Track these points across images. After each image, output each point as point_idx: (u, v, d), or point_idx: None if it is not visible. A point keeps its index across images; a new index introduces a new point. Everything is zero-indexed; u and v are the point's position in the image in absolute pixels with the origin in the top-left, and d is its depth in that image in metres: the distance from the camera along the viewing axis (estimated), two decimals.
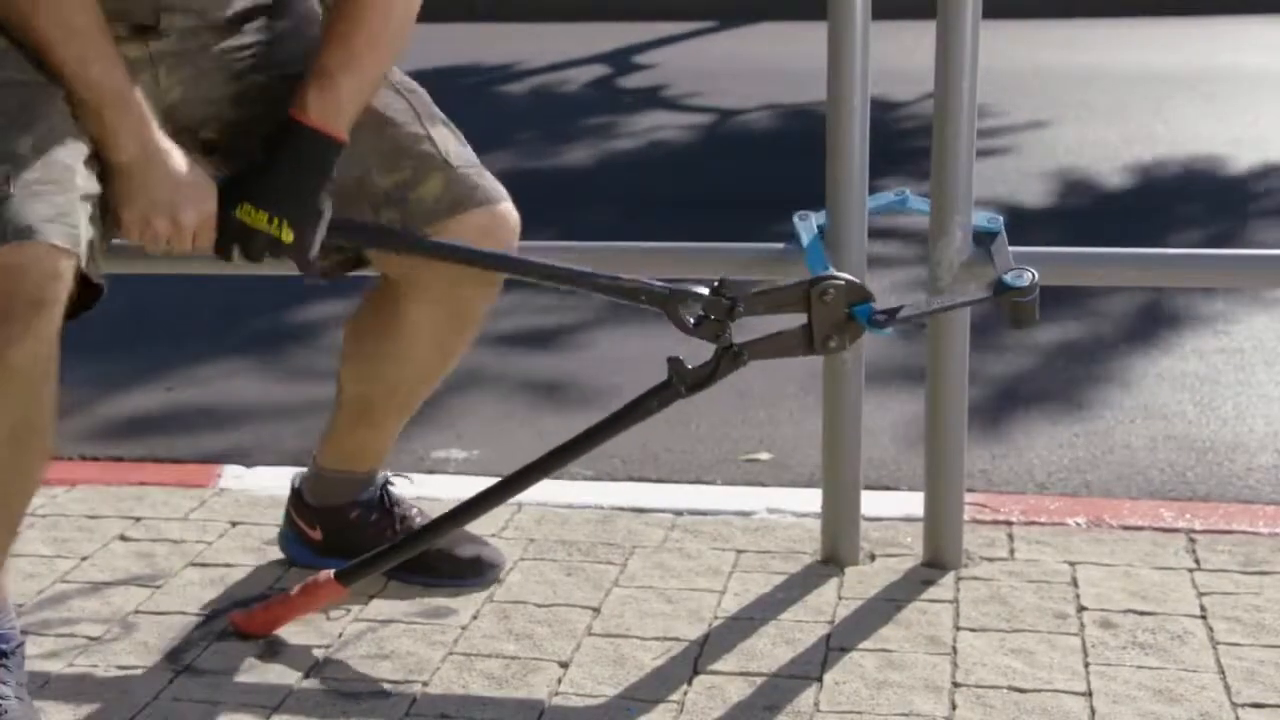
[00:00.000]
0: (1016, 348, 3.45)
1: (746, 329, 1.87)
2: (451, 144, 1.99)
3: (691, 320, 1.86)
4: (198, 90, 1.94)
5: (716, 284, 1.85)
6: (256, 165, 1.87)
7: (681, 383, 1.88)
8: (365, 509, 2.21)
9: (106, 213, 1.79)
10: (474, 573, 2.18)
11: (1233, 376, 3.27)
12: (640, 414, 1.92)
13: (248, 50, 1.97)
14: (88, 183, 1.72)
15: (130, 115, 1.78)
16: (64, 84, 1.75)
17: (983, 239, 2.09)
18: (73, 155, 1.71)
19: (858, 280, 1.88)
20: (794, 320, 1.87)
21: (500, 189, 2.00)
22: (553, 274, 1.95)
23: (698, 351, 1.89)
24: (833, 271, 1.91)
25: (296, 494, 2.25)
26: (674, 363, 1.89)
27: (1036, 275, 1.86)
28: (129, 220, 1.80)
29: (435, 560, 2.16)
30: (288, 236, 1.84)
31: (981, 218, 2.09)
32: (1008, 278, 1.86)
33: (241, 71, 1.96)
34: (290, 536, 2.27)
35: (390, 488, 2.24)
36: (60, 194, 1.66)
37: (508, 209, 2.00)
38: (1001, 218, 2.09)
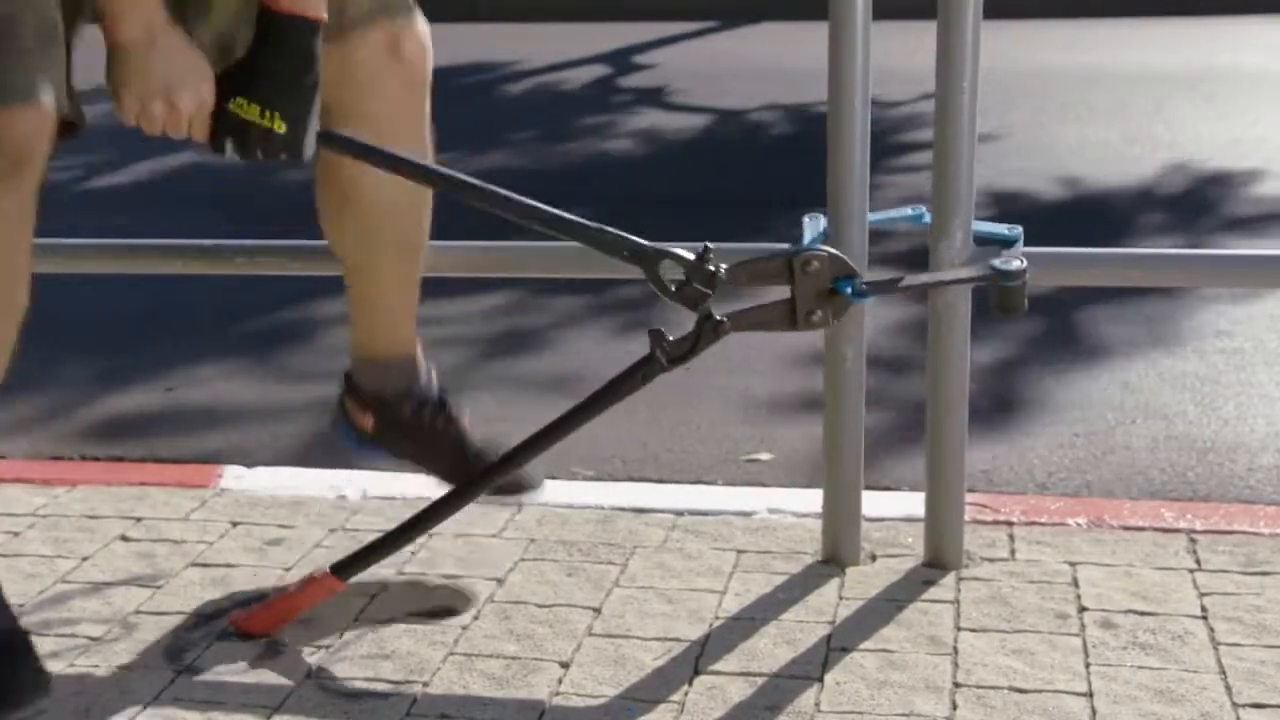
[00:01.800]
0: (1017, 348, 3.45)
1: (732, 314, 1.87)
2: None
3: (672, 285, 1.86)
4: (239, 14, 1.93)
5: (701, 250, 1.84)
6: (243, 60, 1.87)
7: (664, 355, 1.88)
8: (418, 403, 2.20)
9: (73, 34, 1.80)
10: (526, 485, 2.21)
11: (1234, 377, 3.28)
12: (626, 388, 1.91)
13: None
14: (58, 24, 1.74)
15: None
16: None
17: (999, 246, 2.08)
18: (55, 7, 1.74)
19: (842, 255, 1.87)
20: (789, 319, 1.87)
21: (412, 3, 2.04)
22: (534, 215, 1.91)
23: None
24: (817, 246, 1.90)
25: (349, 379, 2.24)
26: (655, 335, 1.89)
27: (1025, 263, 1.86)
28: (127, 102, 1.81)
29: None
30: (280, 127, 1.85)
31: (1001, 228, 2.09)
32: (997, 261, 1.86)
33: None
34: (343, 424, 2.26)
35: (445, 394, 2.23)
36: (47, 50, 1.70)
37: (412, 22, 2.02)
38: (1020, 228, 2.08)
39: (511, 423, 3.12)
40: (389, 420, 2.21)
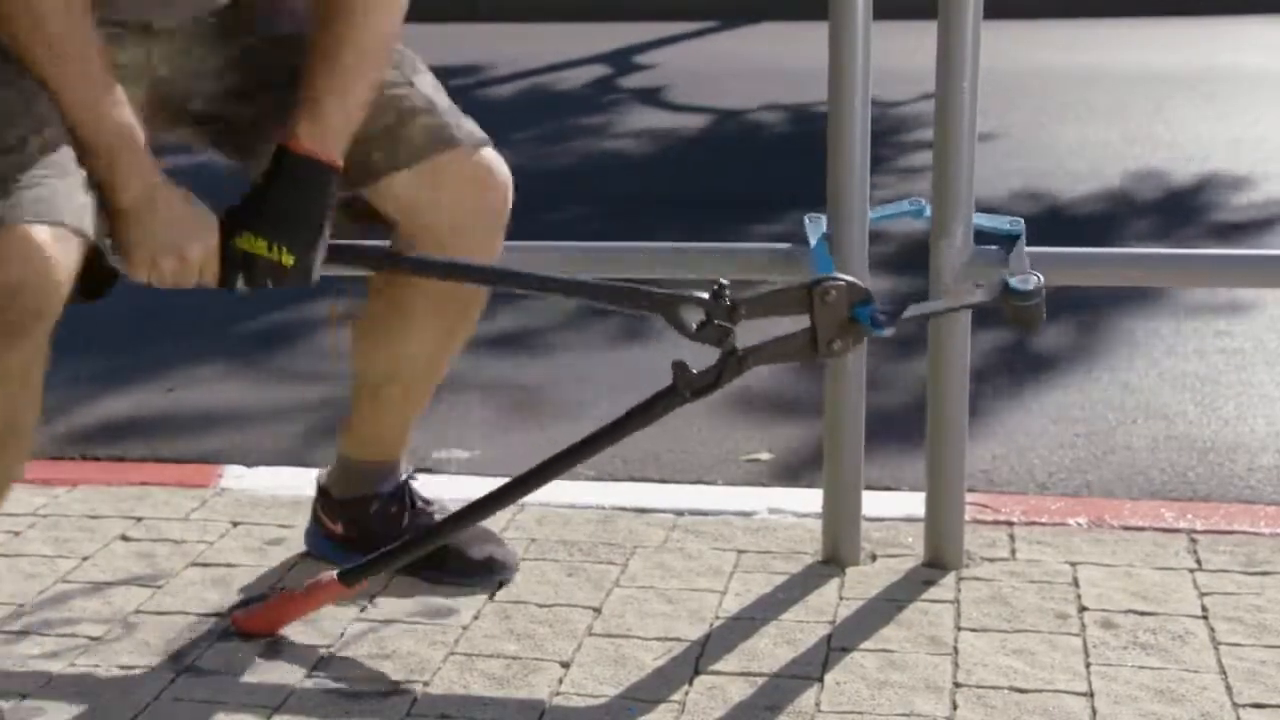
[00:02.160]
0: (1018, 348, 3.45)
1: (745, 332, 1.87)
2: (433, 92, 2.02)
3: (693, 325, 1.86)
4: (187, 62, 1.95)
5: (715, 287, 1.85)
6: (255, 193, 1.88)
7: (686, 387, 1.88)
8: (384, 501, 2.22)
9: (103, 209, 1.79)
10: (485, 572, 2.18)
11: (1234, 377, 3.27)
12: (645, 419, 1.92)
13: (236, 15, 1.97)
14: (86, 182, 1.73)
15: (134, 157, 1.78)
16: (67, 125, 1.75)
17: (1001, 242, 2.08)
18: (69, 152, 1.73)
19: (859, 281, 1.88)
20: (797, 323, 1.87)
21: (479, 132, 2.03)
22: (549, 285, 1.95)
23: (680, 352, 1.89)
24: (834, 272, 1.91)
25: (322, 490, 2.26)
26: (678, 367, 1.88)
27: (1042, 279, 1.85)
28: (138, 261, 1.81)
29: (446, 558, 2.16)
30: (288, 260, 1.86)
31: (1002, 221, 2.08)
32: (1013, 281, 1.85)
33: (229, 37, 1.96)
34: (313, 531, 2.28)
35: (412, 482, 2.25)
36: (64, 179, 1.69)
37: (486, 152, 2.02)
38: (1022, 221, 2.08)
39: (517, 422, 3.14)
40: (354, 521, 2.22)
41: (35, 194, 1.64)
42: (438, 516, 2.21)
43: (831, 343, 1.86)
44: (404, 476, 2.24)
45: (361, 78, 1.88)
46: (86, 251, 1.69)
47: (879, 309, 1.85)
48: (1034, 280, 1.84)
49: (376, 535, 2.16)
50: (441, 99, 2.03)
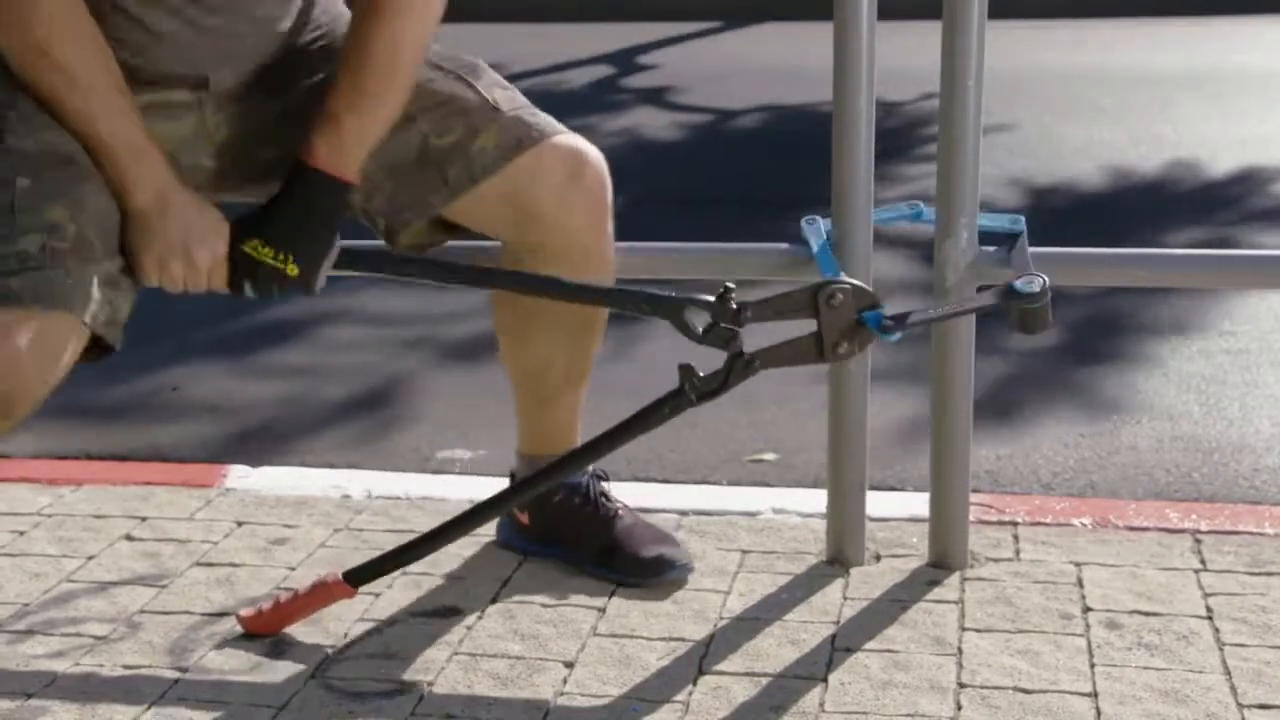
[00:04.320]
0: (1021, 348, 3.44)
1: (751, 336, 1.87)
2: (498, 93, 2.02)
3: (700, 328, 1.86)
4: (246, 123, 1.97)
5: (721, 290, 1.85)
6: (268, 204, 1.90)
7: (693, 391, 1.88)
8: (568, 493, 2.21)
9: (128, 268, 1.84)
10: (655, 571, 2.16)
11: (1239, 377, 3.27)
12: (652, 422, 1.92)
13: (289, 66, 1.98)
14: (109, 254, 1.79)
15: (144, 164, 1.82)
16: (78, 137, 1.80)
17: (1003, 240, 2.08)
18: (97, 228, 1.77)
19: (865, 285, 1.88)
20: (803, 326, 1.87)
21: (555, 124, 2.03)
22: (555, 289, 1.96)
23: (687, 352, 1.89)
24: (840, 276, 1.91)
25: (512, 478, 2.26)
26: (685, 370, 1.88)
27: (1048, 281, 1.85)
28: (146, 264, 1.84)
29: (616, 557, 2.16)
30: (293, 270, 1.88)
31: (1003, 219, 2.08)
32: (1019, 284, 1.84)
33: (285, 86, 1.98)
34: (504, 522, 2.28)
35: (600, 478, 2.24)
36: (82, 265, 1.74)
37: (565, 139, 2.02)
38: (1023, 219, 2.08)
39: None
40: (540, 512, 2.22)
41: (44, 276, 1.70)
42: (622, 514, 2.22)
43: (837, 346, 1.86)
44: (589, 473, 2.23)
45: (383, 101, 1.89)
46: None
47: (886, 315, 1.85)
48: (1039, 282, 1.84)
49: (559, 528, 2.19)
50: (508, 99, 2.02)
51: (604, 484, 2.24)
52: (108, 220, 1.80)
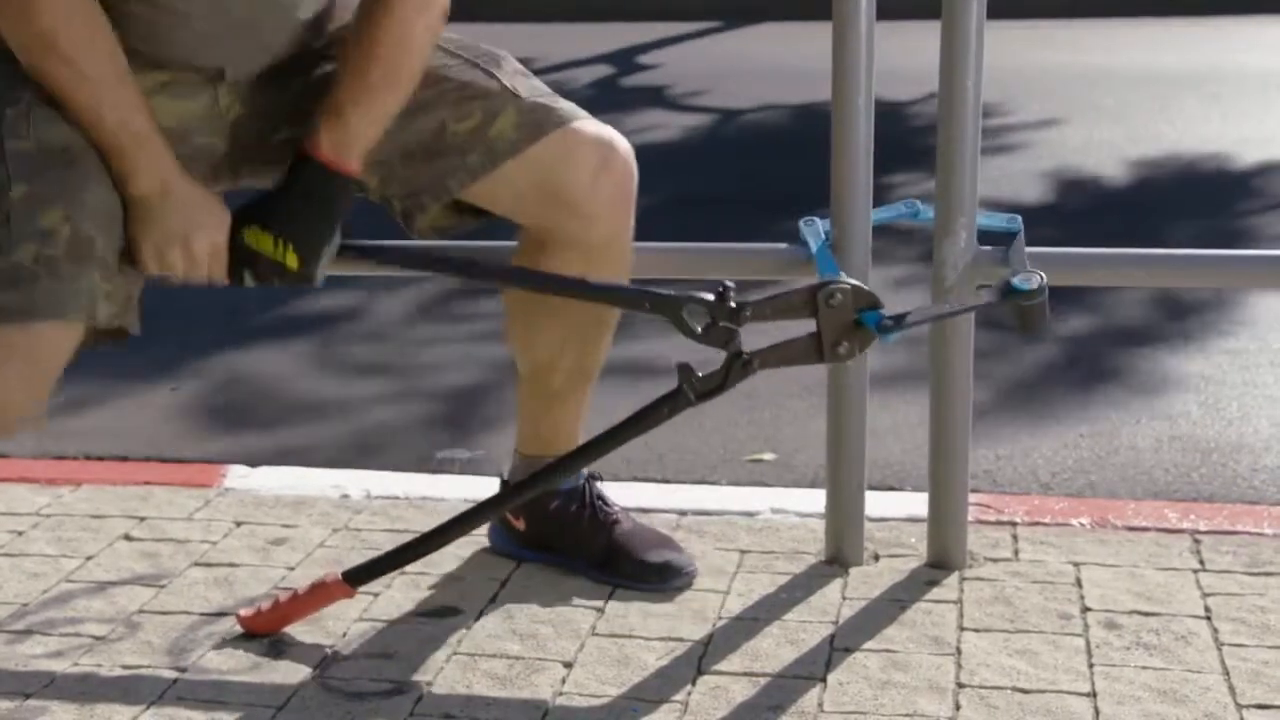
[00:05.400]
0: (1021, 348, 3.44)
1: (751, 335, 1.87)
2: (519, 80, 2.02)
3: (699, 327, 1.86)
4: (257, 103, 1.96)
5: (720, 289, 1.84)
6: (270, 192, 1.90)
7: (691, 390, 1.88)
8: (565, 499, 2.20)
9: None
10: (659, 577, 2.15)
11: (1238, 377, 3.27)
12: (650, 421, 1.92)
13: (306, 52, 1.98)
14: (110, 246, 1.78)
15: (148, 152, 1.82)
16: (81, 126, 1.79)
17: (1001, 239, 2.08)
18: (97, 222, 1.77)
19: (863, 285, 1.88)
20: (801, 327, 1.86)
21: (578, 110, 2.02)
22: (554, 285, 1.95)
23: (689, 352, 1.89)
24: (839, 275, 1.91)
25: (504, 484, 2.25)
26: (684, 370, 1.88)
27: (1045, 279, 1.85)
28: (145, 252, 1.83)
29: (620, 562, 2.16)
30: (292, 261, 1.88)
31: (1000, 218, 2.08)
32: (1016, 281, 1.85)
33: (301, 68, 1.97)
34: (496, 527, 2.26)
35: (595, 482, 2.23)
36: (77, 266, 1.74)
37: (593, 126, 2.01)
38: (1020, 218, 2.08)
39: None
40: (536, 517, 2.21)
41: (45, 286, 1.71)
42: (620, 519, 2.21)
43: (837, 346, 1.86)
44: (584, 477, 2.22)
45: (387, 95, 1.89)
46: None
47: (885, 314, 1.85)
48: (1036, 279, 1.84)
49: (556, 532, 2.18)
50: (529, 86, 2.01)
51: (599, 484, 2.24)
52: (110, 211, 1.79)
